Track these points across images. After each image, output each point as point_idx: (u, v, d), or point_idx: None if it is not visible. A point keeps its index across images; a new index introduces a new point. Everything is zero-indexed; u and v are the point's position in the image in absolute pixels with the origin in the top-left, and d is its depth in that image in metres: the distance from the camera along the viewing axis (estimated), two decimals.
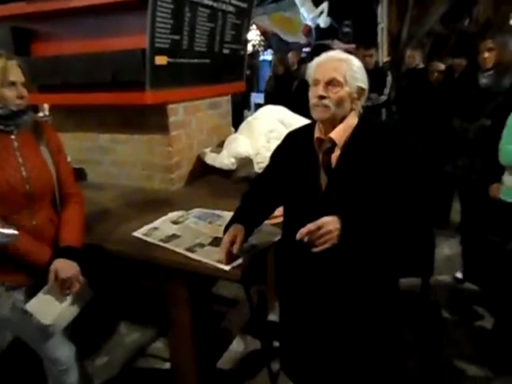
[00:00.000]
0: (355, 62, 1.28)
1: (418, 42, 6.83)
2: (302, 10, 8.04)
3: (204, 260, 1.50)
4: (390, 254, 1.28)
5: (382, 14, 7.29)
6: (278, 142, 2.24)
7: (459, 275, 3.01)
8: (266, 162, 2.27)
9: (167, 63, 2.19)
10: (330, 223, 1.17)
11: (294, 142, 1.43)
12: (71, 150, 2.68)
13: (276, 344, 2.49)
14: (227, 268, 1.43)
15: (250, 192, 1.60)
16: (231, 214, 2.00)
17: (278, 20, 9.12)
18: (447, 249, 3.50)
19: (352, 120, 1.30)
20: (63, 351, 1.60)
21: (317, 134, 1.34)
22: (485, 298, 2.59)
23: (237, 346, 2.43)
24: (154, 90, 2.14)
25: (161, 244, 1.67)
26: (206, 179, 2.64)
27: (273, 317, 2.74)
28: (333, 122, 1.29)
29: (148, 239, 1.72)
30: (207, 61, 2.59)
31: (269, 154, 2.25)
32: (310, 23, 8.28)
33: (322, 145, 1.32)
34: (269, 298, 2.69)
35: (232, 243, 1.41)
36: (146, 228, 1.82)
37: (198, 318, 1.73)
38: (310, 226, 1.16)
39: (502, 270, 2.18)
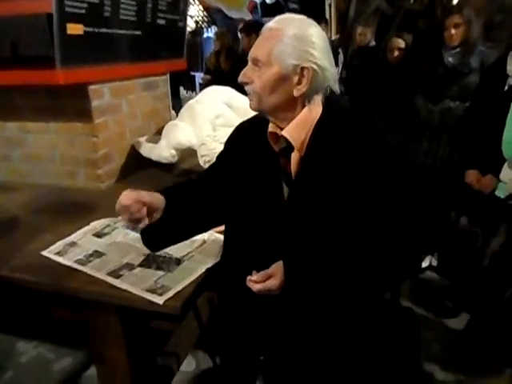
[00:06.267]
0: (289, 32, 0.93)
1: (366, 20, 6.67)
2: None
3: (131, 290, 1.15)
4: (365, 281, 1.02)
5: None
6: (226, 129, 1.90)
7: (427, 263, 2.86)
8: (212, 154, 1.95)
9: (84, 33, 1.76)
10: (276, 274, 0.96)
11: (247, 137, 1.11)
12: None
13: None
14: (161, 301, 1.10)
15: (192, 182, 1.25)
16: None
17: None
18: None
19: (309, 112, 0.98)
20: None
21: (270, 128, 1.03)
22: (455, 291, 2.43)
23: (187, 366, 2.11)
24: (68, 67, 1.70)
25: (77, 267, 1.29)
26: (142, 174, 2.24)
27: None
28: (281, 115, 0.99)
29: (61, 260, 1.33)
30: (138, 32, 2.17)
31: (215, 144, 1.92)
32: None
33: (279, 142, 1.02)
34: None
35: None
36: (60, 244, 1.43)
37: (137, 356, 1.39)
38: (259, 278, 0.97)
39: (477, 268, 2.01)
